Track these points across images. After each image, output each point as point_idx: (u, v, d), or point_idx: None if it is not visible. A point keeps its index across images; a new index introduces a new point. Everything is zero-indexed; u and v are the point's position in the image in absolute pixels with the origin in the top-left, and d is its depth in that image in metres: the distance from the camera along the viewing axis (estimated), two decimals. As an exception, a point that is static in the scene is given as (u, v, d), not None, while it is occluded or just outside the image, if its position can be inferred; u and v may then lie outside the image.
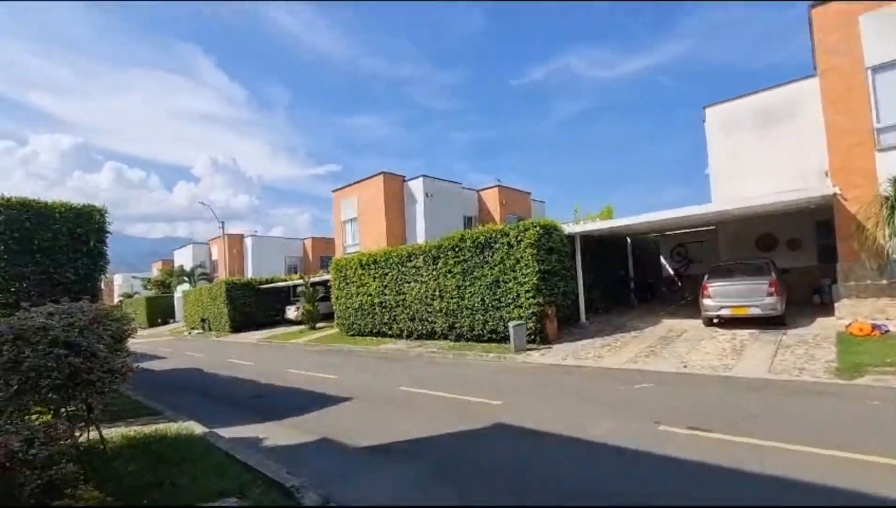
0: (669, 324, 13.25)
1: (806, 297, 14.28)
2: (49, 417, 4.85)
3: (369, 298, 17.18)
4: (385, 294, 16.54)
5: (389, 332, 16.59)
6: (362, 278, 17.59)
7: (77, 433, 4.37)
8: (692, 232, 20.53)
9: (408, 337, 15.81)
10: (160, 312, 42.51)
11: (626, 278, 18.84)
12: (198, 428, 6.70)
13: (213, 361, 16.00)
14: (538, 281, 12.18)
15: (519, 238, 12.57)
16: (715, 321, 11.96)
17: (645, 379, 8.14)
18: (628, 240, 19.28)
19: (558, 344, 12.02)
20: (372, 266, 17.20)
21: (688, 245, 21.24)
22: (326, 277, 22.42)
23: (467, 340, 13.83)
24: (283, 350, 18.08)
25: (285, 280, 29.26)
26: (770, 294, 10.94)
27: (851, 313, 10.81)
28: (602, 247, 16.77)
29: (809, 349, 8.93)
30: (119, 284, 61.80)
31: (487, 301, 13.19)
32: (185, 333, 31.24)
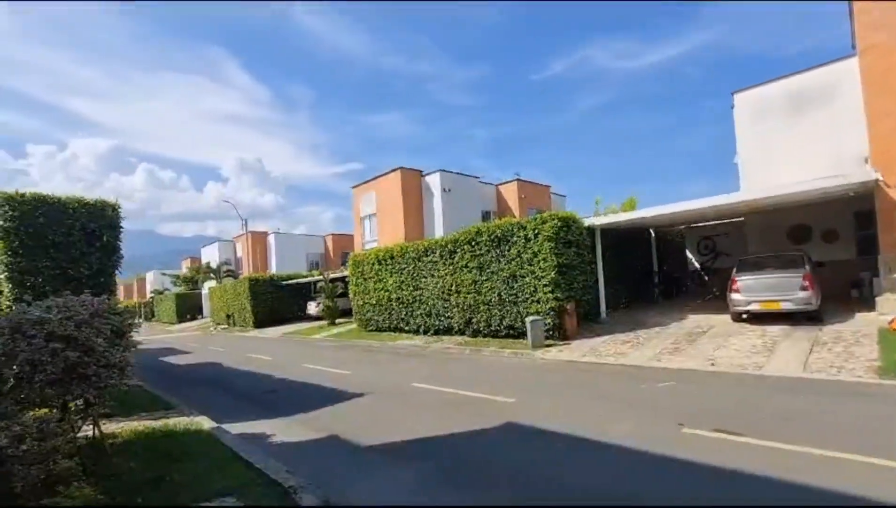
0: (695, 320, 12.68)
1: (843, 292, 13.46)
2: (54, 412, 4.83)
3: (386, 293, 17.08)
4: (402, 290, 16.40)
5: (406, 328, 16.45)
6: (379, 273, 17.50)
7: (76, 429, 4.31)
8: (719, 224, 19.71)
9: (425, 333, 15.65)
10: (189, 308, 43.55)
11: (650, 272, 18.19)
12: (206, 423, 6.66)
13: (233, 356, 16.17)
14: (556, 275, 11.81)
15: (536, 231, 12.22)
16: (744, 316, 11.36)
17: (668, 377, 7.73)
18: (652, 233, 18.63)
19: (577, 340, 11.65)
20: (388, 262, 17.09)
21: (714, 238, 20.39)
22: (345, 273, 22.46)
23: (484, 336, 13.58)
24: (301, 346, 18.18)
25: (306, 277, 29.52)
26: (804, 288, 10.31)
27: (895, 308, 10.10)
28: (624, 240, 16.22)
29: (848, 347, 8.34)
30: (151, 281, 63.92)
31: (504, 296, 12.90)
32: (211, 328, 31.90)
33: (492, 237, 13.25)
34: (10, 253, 7.78)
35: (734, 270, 11.81)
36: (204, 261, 48.73)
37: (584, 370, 9.15)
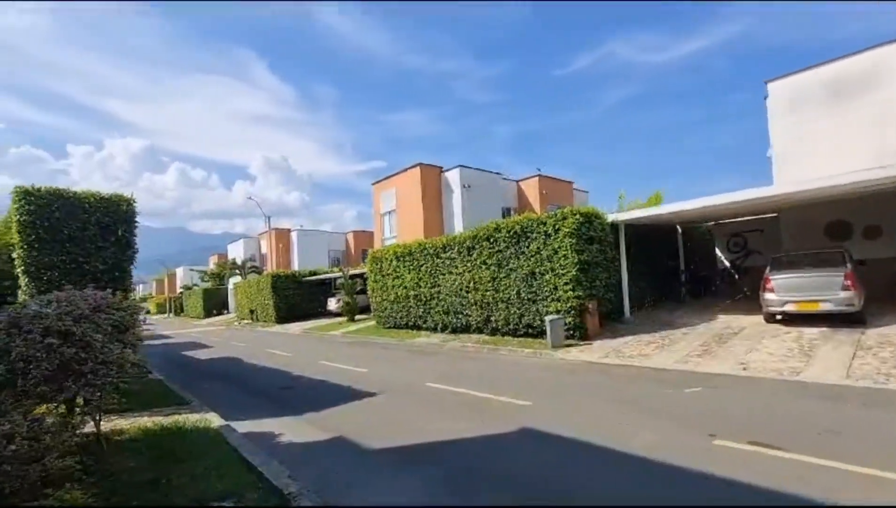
0: (725, 320, 12.05)
1: (887, 292, 12.57)
2: (58, 409, 4.75)
3: (404, 290, 16.90)
4: (420, 287, 16.19)
5: (424, 325, 16.24)
6: (397, 270, 17.33)
7: (76, 426, 4.21)
8: (750, 220, 18.78)
9: (442, 330, 15.41)
10: (215, 303, 44.52)
11: (677, 271, 17.47)
12: (216, 421, 6.56)
13: (253, 351, 16.28)
14: (577, 273, 11.37)
15: (557, 227, 11.79)
16: (778, 317, 10.70)
17: (696, 382, 7.27)
18: (678, 229, 17.90)
19: (599, 340, 11.20)
20: (407, 258, 16.89)
21: (745, 235, 19.44)
22: (365, 269, 22.42)
23: (503, 334, 13.24)
24: (320, 342, 18.19)
25: (327, 273, 29.66)
26: (846, 288, 9.61)
27: (948, 310, 9.33)
28: (649, 237, 15.59)
29: (897, 352, 7.71)
30: (181, 276, 65.74)
31: (523, 294, 12.52)
32: (235, 323, 32.42)
33: (510, 233, 12.88)
34: (26, 247, 7.85)
35: (767, 268, 11.14)
36: (230, 257, 49.74)
37: (605, 372, 8.74)
